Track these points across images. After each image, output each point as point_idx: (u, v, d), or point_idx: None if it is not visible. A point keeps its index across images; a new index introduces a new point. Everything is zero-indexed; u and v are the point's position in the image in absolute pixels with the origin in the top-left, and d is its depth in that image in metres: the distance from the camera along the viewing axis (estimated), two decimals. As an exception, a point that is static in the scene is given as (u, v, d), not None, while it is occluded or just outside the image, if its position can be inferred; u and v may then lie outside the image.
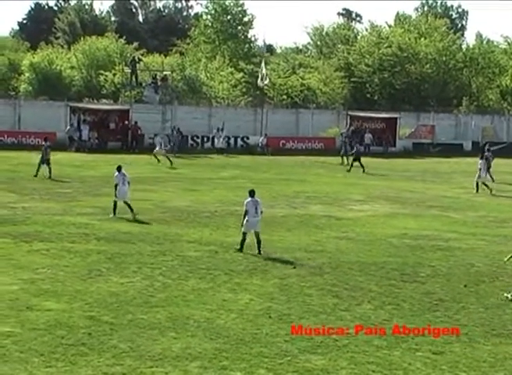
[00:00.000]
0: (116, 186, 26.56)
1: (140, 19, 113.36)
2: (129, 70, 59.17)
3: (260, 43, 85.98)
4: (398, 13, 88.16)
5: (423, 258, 22.02)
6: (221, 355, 13.58)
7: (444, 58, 75.34)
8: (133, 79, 59.01)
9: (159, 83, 58.54)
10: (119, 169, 26.93)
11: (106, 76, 67.88)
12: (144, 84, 59.58)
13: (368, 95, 75.02)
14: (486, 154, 40.12)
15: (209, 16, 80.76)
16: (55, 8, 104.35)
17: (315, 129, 60.48)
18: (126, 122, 55.27)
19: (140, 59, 62.24)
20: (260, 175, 42.14)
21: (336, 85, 72.01)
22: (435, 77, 74.59)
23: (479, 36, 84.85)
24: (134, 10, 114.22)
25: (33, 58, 71.82)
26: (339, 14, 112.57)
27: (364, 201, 33.11)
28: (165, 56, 73.98)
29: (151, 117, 54.96)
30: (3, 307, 15.78)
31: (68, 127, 53.28)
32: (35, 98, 64.96)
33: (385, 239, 24.56)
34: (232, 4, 79.61)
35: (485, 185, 37.62)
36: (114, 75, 66.54)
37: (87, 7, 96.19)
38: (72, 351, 13.48)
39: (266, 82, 62.18)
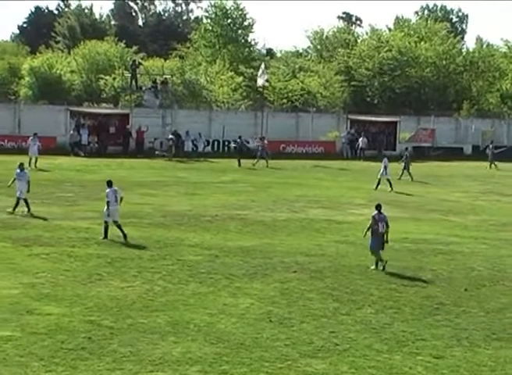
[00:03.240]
0: (14, 181, 28.34)
1: (140, 22, 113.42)
2: (129, 74, 59.12)
3: (260, 47, 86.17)
4: (397, 17, 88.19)
5: (424, 262, 22.00)
6: (221, 359, 13.56)
7: (444, 62, 75.29)
8: (133, 83, 58.95)
9: (159, 87, 58.46)
10: (20, 166, 28.74)
11: (106, 80, 67.75)
12: (143, 88, 59.47)
13: (368, 99, 74.91)
14: (406, 153, 44.37)
15: (209, 20, 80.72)
16: (55, 12, 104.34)
17: (315, 133, 60.40)
18: (128, 126, 55.13)
19: (140, 63, 62.17)
20: (260, 179, 42.10)
21: (335, 89, 71.93)
22: (435, 81, 74.53)
23: (479, 40, 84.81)
24: (134, 14, 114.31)
25: (33, 62, 71.71)
26: (339, 18, 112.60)
27: (364, 205, 33.03)
28: (165, 60, 73.84)
29: (151, 121, 54.88)
30: (3, 311, 15.77)
31: (71, 132, 52.90)
32: (35, 102, 64.87)
33: (385, 243, 24.52)
34: (232, 8, 79.59)
35: (389, 182, 38.46)
36: (114, 79, 66.41)
37: (86, 11, 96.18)
38: (72, 355, 13.46)
39: (266, 78, 61.87)
